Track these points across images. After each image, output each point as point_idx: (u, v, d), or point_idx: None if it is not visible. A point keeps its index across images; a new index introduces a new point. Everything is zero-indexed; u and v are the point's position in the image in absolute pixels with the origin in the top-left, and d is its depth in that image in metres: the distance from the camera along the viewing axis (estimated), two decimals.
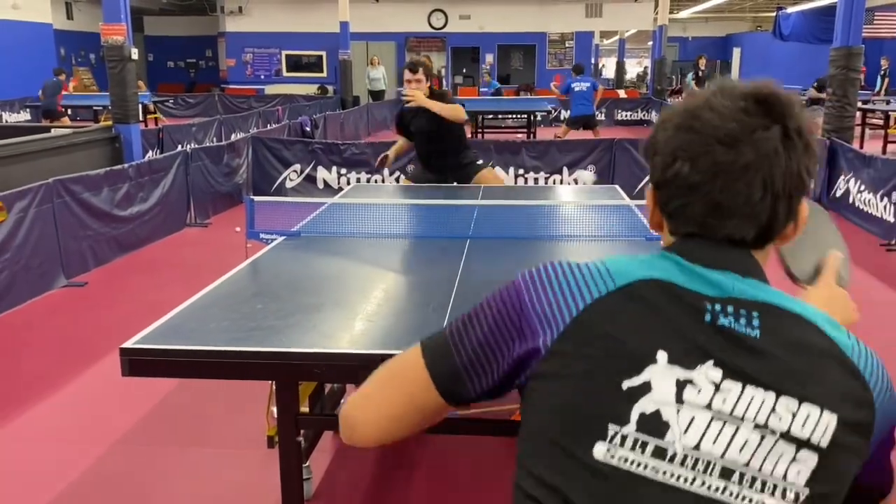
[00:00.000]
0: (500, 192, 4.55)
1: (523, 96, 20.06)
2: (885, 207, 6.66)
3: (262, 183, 8.64)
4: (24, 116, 15.64)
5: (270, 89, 22.20)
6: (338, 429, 1.13)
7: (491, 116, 13.55)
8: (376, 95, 19.21)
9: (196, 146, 8.59)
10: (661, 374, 0.90)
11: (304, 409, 2.55)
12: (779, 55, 23.01)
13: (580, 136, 10.78)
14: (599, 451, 0.90)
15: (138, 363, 1.88)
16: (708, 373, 0.90)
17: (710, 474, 0.88)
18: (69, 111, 13.42)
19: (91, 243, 5.74)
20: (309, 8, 21.95)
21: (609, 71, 31.31)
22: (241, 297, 2.31)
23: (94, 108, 13.89)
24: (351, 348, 1.94)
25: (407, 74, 4.82)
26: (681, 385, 0.90)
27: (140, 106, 8.64)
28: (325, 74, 23.27)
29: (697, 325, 0.92)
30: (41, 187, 5.19)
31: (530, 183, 8.36)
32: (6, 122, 14.98)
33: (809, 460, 0.89)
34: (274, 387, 2.22)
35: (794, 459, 0.88)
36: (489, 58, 23.00)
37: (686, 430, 0.89)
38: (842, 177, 7.71)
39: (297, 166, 8.69)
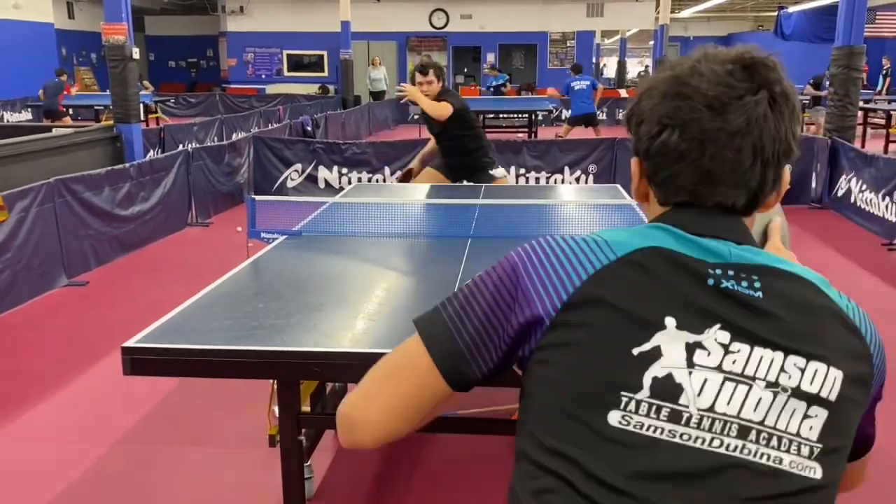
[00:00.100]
0: (501, 192, 4.55)
1: (524, 96, 20.06)
2: (886, 207, 6.66)
3: (263, 182, 8.64)
4: (25, 116, 15.67)
5: (271, 89, 22.22)
6: None
7: (492, 116, 13.54)
8: (377, 96, 19.23)
9: (197, 146, 8.59)
10: (670, 339, 0.91)
11: (306, 408, 2.54)
12: (780, 55, 22.95)
13: (581, 135, 10.78)
14: (614, 417, 0.90)
15: (140, 362, 1.88)
16: (717, 335, 0.91)
17: (727, 434, 0.89)
18: (70, 111, 13.43)
19: (92, 243, 5.74)
20: (310, 7, 21.96)
21: (610, 70, 31.33)
22: (243, 297, 2.31)
23: (96, 107, 13.89)
24: (352, 347, 1.94)
25: (418, 77, 4.90)
26: (690, 349, 0.91)
27: (142, 106, 8.65)
28: (326, 74, 23.30)
29: (701, 289, 0.92)
30: (42, 187, 5.19)
31: (531, 182, 8.37)
32: (7, 121, 15.00)
33: (820, 415, 0.90)
34: (275, 386, 2.22)
35: (805, 415, 0.90)
36: (490, 57, 22.99)
37: (700, 393, 0.90)
38: (843, 176, 7.70)
39: (299, 166, 8.69)
